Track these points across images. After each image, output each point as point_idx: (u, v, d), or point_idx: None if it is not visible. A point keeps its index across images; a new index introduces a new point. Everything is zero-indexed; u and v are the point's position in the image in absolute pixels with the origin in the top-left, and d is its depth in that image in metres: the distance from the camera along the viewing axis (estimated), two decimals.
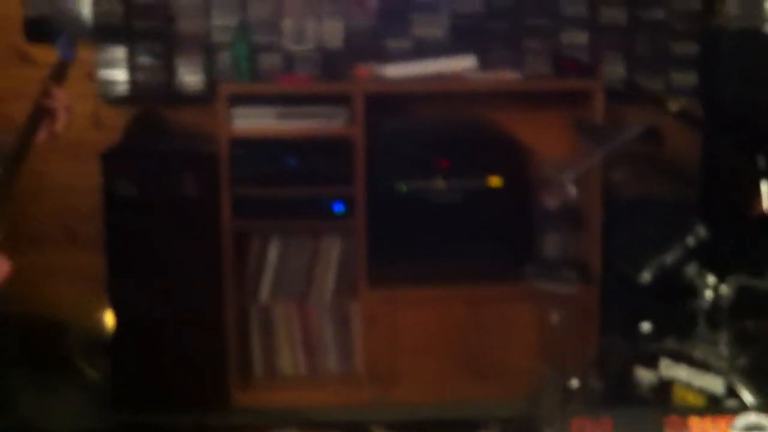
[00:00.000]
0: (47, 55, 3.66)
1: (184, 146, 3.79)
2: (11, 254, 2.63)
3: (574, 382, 3.02)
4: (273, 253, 3.82)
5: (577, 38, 3.94)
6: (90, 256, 3.77)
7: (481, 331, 3.66)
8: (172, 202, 3.60)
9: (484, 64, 3.85)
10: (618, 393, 2.82)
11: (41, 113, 2.59)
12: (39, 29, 3.86)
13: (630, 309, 3.01)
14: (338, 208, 3.70)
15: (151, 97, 3.89)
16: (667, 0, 3.93)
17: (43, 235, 3.88)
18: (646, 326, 2.83)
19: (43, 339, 3.67)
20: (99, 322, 3.63)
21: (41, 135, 2.60)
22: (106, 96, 3.89)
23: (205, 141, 3.78)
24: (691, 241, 2.82)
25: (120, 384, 3.60)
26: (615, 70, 3.93)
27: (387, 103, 3.82)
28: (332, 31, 3.92)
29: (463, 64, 3.82)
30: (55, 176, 3.80)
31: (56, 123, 2.61)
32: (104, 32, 3.85)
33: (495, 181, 3.67)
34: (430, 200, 3.68)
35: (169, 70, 3.88)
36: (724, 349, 2.66)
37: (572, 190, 3.13)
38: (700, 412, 2.19)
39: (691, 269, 2.76)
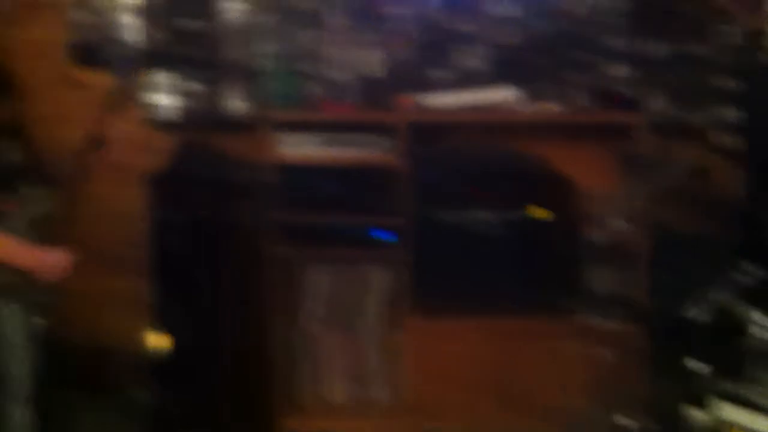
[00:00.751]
0: (95, 79, 3.75)
1: (230, 173, 3.82)
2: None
3: (621, 420, 3.03)
4: (320, 281, 3.86)
5: (619, 71, 3.97)
6: (137, 281, 3.80)
7: (527, 366, 3.67)
8: (218, 228, 3.64)
9: (527, 95, 3.89)
10: None
11: (95, 142, 2.67)
12: (88, 54, 3.91)
13: (680, 347, 3.02)
14: (384, 236, 3.73)
15: (199, 123, 3.93)
16: (710, 34, 3.96)
17: (92, 260, 3.91)
18: (696, 365, 2.84)
19: (93, 363, 3.70)
20: (147, 348, 3.66)
21: (95, 162, 2.69)
22: (154, 121, 3.94)
23: (250, 167, 3.81)
24: (738, 278, 2.84)
25: (167, 409, 3.62)
26: (657, 103, 3.96)
27: (431, 133, 3.86)
28: (375, 61, 3.96)
29: (504, 95, 3.86)
30: (104, 201, 3.84)
31: (108, 151, 2.70)
32: (153, 58, 3.90)
33: (538, 213, 3.70)
34: (475, 231, 3.71)
35: (217, 97, 3.93)
36: None
37: (619, 225, 3.16)
38: None
39: (739, 307, 2.78)
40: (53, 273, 2.58)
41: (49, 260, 2.56)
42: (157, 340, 3.61)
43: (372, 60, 3.96)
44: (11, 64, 2.79)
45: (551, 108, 3.87)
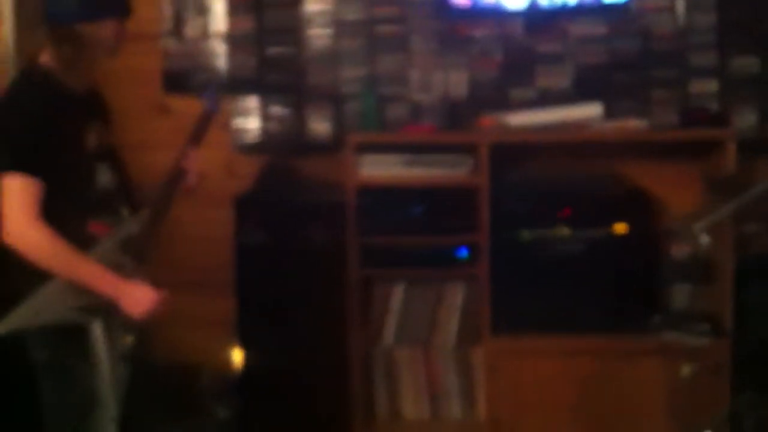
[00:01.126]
0: (185, 106, 3.87)
1: (312, 195, 3.88)
2: None
3: None
4: (397, 298, 3.87)
5: (706, 87, 3.90)
6: (221, 301, 3.89)
7: (606, 384, 3.60)
8: (300, 250, 3.69)
9: (610, 113, 3.85)
10: None
11: (179, 172, 2.76)
12: (178, 82, 4.05)
13: (763, 364, 2.93)
14: (462, 253, 3.74)
15: (282, 146, 4.02)
16: None
17: (177, 281, 4.01)
18: None
19: (179, 382, 3.79)
20: (229, 365, 3.73)
21: (179, 191, 2.78)
22: (239, 145, 4.04)
23: (333, 189, 3.87)
24: None
25: (248, 425, 3.68)
26: (746, 120, 3.87)
27: (513, 151, 3.86)
28: (457, 82, 3.98)
29: (588, 112, 3.82)
30: (189, 223, 3.95)
31: (189, 181, 2.78)
32: (239, 84, 4.01)
33: (620, 230, 3.64)
34: (554, 249, 3.68)
35: (300, 120, 4.01)
36: None
37: (704, 240, 3.07)
38: None
39: None
40: (138, 309, 2.60)
41: (135, 295, 2.58)
42: (241, 359, 3.67)
43: (455, 82, 3.98)
44: (107, 91, 2.89)
45: (636, 125, 3.81)
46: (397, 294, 3.87)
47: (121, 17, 2.61)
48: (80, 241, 2.51)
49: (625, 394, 3.59)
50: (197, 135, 2.83)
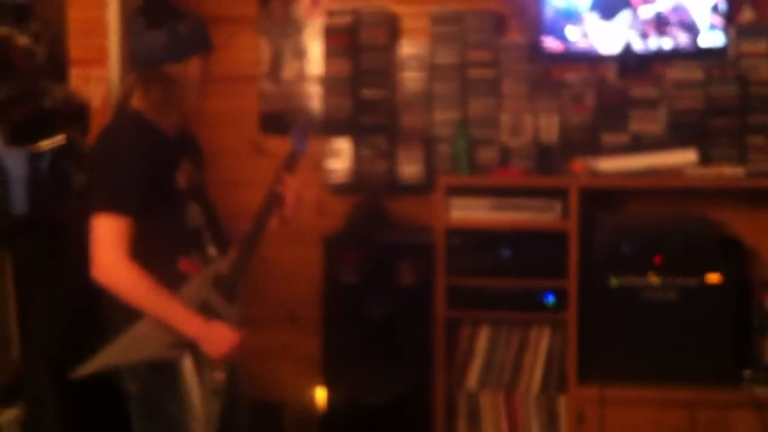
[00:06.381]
0: (280, 146, 3.95)
1: (402, 235, 3.92)
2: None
3: None
4: (482, 340, 3.85)
5: None
6: (308, 338, 3.94)
7: None
8: (388, 289, 3.72)
9: (705, 159, 3.78)
10: None
11: (274, 199, 2.78)
12: (274, 123, 4.15)
13: None
14: (549, 299, 3.71)
15: (373, 186, 4.06)
16: None
17: (267, 317, 4.10)
18: None
19: (262, 417, 3.84)
20: (313, 403, 3.77)
21: (274, 221, 2.79)
22: (331, 184, 4.11)
23: (422, 230, 3.90)
24: None
25: None
26: None
27: (604, 196, 3.82)
28: (548, 126, 3.97)
29: (682, 158, 3.76)
30: (280, 260, 4.02)
31: (286, 209, 2.79)
32: (332, 126, 4.08)
33: (712, 279, 3.56)
34: (644, 296, 3.62)
35: (391, 161, 4.05)
36: None
37: None
38: None
39: None
40: (218, 350, 2.63)
41: (215, 337, 2.59)
42: (324, 397, 3.70)
43: (546, 125, 3.97)
44: (207, 130, 2.96)
45: (732, 172, 3.73)
46: (483, 337, 3.85)
47: (205, 54, 2.68)
48: (171, 278, 2.56)
49: None
50: (291, 161, 2.85)
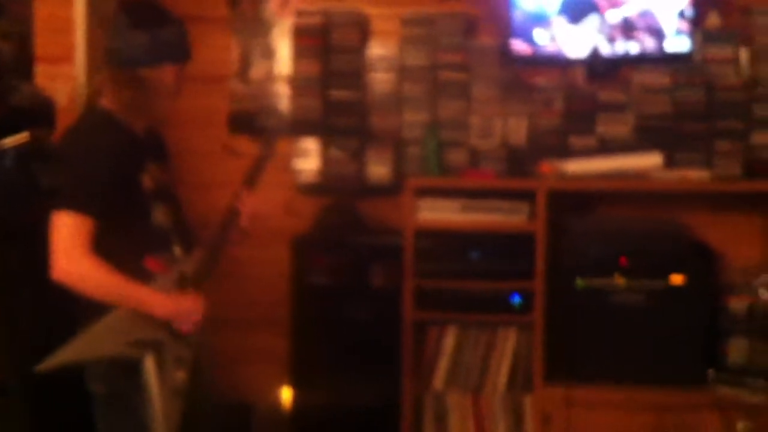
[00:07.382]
0: (249, 147, 3.94)
1: (371, 237, 3.91)
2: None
3: None
4: (450, 341, 3.85)
5: None
6: (277, 340, 3.92)
7: None
8: (357, 291, 3.73)
9: (672, 163, 3.81)
10: None
11: (233, 215, 2.81)
12: (243, 123, 4.13)
13: None
14: (516, 300, 3.73)
15: (341, 187, 4.05)
16: None
17: (235, 318, 4.08)
18: None
19: (229, 418, 3.83)
20: (282, 403, 3.76)
21: (234, 234, 2.83)
22: (300, 185, 4.09)
23: (391, 232, 3.90)
24: None
25: None
26: None
27: (575, 201, 3.84)
28: (518, 129, 3.98)
29: (648, 162, 3.79)
30: (248, 261, 4.00)
31: (242, 223, 2.83)
32: (302, 126, 4.07)
33: (676, 281, 3.59)
34: (610, 298, 3.64)
35: (361, 162, 4.04)
36: None
37: (764, 295, 3.03)
38: None
39: None
40: (190, 320, 2.66)
41: (186, 307, 2.64)
42: (292, 398, 3.70)
43: (516, 128, 3.99)
44: (176, 130, 2.96)
45: (698, 176, 3.77)
46: (450, 338, 3.85)
47: (182, 62, 2.67)
48: (137, 276, 2.57)
49: None
50: (252, 177, 2.88)
